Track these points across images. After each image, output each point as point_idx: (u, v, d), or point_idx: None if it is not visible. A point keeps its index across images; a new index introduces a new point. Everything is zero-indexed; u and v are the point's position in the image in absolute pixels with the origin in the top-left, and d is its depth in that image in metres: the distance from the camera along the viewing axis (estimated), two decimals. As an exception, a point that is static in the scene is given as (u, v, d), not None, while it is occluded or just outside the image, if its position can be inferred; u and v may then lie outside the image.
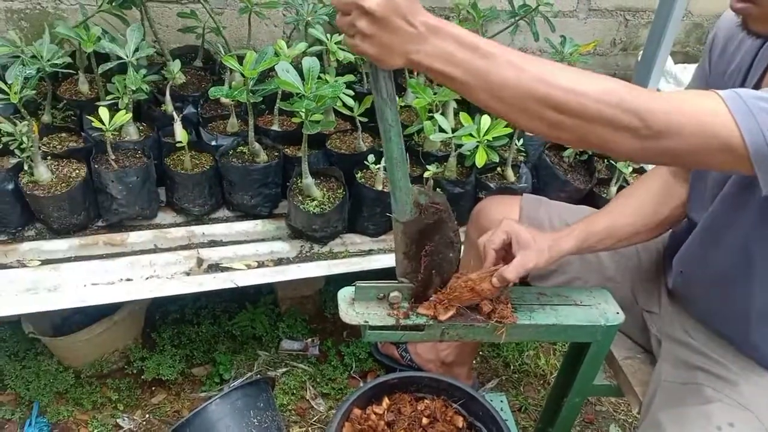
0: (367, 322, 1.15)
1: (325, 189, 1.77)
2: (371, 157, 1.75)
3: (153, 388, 1.91)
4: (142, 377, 1.87)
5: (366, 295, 1.18)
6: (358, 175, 1.80)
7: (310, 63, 1.50)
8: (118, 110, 1.69)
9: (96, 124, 1.64)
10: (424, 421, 1.56)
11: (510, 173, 1.92)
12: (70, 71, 1.85)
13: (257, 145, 1.75)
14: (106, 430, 1.78)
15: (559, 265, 1.50)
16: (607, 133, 0.83)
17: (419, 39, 0.82)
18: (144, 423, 1.82)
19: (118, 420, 1.81)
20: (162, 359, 1.87)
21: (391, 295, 1.17)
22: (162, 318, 2.05)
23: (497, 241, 1.17)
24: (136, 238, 1.73)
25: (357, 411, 1.55)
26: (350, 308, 1.18)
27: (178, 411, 1.85)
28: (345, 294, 1.20)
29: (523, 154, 2.03)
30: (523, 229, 1.17)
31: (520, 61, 0.82)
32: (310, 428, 1.85)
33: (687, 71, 2.68)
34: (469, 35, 0.83)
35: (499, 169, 1.95)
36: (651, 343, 1.39)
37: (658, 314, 1.38)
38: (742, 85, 1.09)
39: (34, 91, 1.64)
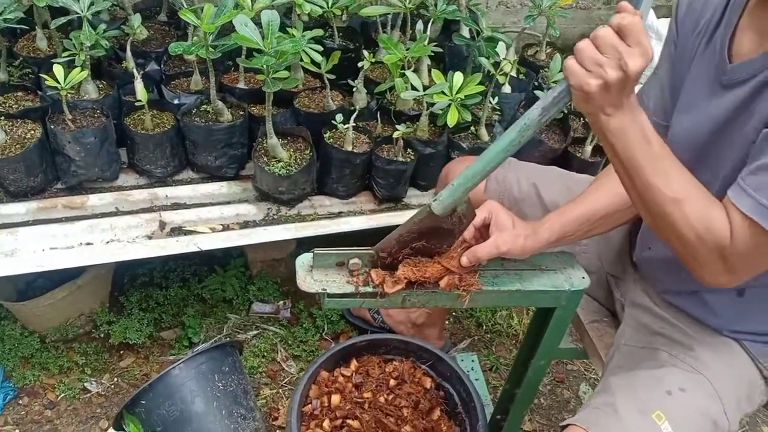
0: (326, 289, 1.12)
1: (291, 150, 1.72)
2: (339, 117, 1.70)
3: (121, 352, 1.89)
4: (110, 341, 1.85)
5: (324, 261, 1.15)
6: (327, 135, 1.75)
7: (269, 17, 1.43)
8: (75, 67, 1.62)
9: (50, 82, 1.56)
10: (392, 382, 1.56)
11: (483, 132, 1.87)
12: (27, 27, 1.76)
13: (220, 104, 1.69)
14: (74, 393, 1.76)
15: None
16: (690, 260, 0.95)
17: (621, 107, 0.86)
18: (112, 386, 1.80)
19: (86, 384, 1.79)
20: (129, 323, 1.85)
21: (351, 261, 1.14)
22: (130, 281, 2.02)
23: (478, 219, 1.14)
24: (97, 201, 1.68)
25: (324, 373, 1.55)
26: (308, 275, 1.15)
27: (147, 374, 1.84)
28: (303, 261, 1.17)
29: (498, 113, 1.98)
30: (504, 211, 1.13)
31: (672, 175, 0.90)
32: (280, 390, 1.84)
33: (670, 26, 2.61)
34: (650, 128, 0.89)
35: (472, 128, 1.90)
36: (616, 307, 1.38)
37: (623, 279, 1.36)
38: (713, 34, 1.05)
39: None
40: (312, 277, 1.15)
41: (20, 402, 1.73)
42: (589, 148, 1.94)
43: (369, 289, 1.13)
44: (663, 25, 2.61)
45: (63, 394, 1.76)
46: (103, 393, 1.78)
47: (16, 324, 1.80)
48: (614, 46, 0.81)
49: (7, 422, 1.68)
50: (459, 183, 1.03)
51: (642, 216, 0.99)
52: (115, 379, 1.82)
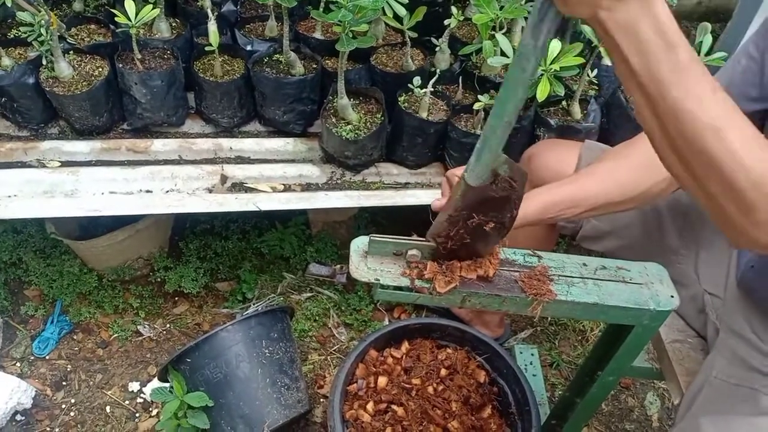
0: (379, 279, 1.03)
1: (362, 111, 1.60)
2: (417, 80, 1.56)
3: (176, 299, 1.88)
4: (165, 287, 1.83)
5: (381, 249, 1.05)
6: (401, 99, 1.61)
7: (350, -34, 1.29)
8: (148, 4, 1.54)
9: (120, 18, 1.50)
10: (443, 372, 1.48)
11: (576, 109, 1.69)
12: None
13: (293, 55, 1.58)
14: (126, 335, 1.77)
15: (615, 227, 1.32)
16: (736, 213, 0.69)
17: None
18: (164, 332, 1.80)
19: (138, 327, 1.79)
20: (185, 271, 1.82)
21: (409, 253, 1.03)
22: (191, 227, 1.99)
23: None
24: (161, 146, 1.63)
25: (373, 352, 1.48)
26: (362, 262, 1.05)
27: (199, 324, 1.83)
28: (358, 245, 1.07)
29: (595, 88, 1.78)
30: None
31: (708, 94, 0.65)
32: (329, 357, 1.79)
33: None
34: (674, 26, 0.64)
35: (564, 103, 1.71)
36: (707, 329, 1.22)
37: (721, 299, 1.19)
38: None
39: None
40: (366, 264, 1.05)
41: (75, 337, 1.76)
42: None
43: (425, 284, 1.03)
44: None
45: (116, 335, 1.77)
46: (154, 338, 1.78)
47: (75, 260, 1.81)
48: None
49: (60, 356, 1.71)
50: (481, 145, 0.88)
51: (667, 163, 0.73)
52: (168, 326, 1.82)
